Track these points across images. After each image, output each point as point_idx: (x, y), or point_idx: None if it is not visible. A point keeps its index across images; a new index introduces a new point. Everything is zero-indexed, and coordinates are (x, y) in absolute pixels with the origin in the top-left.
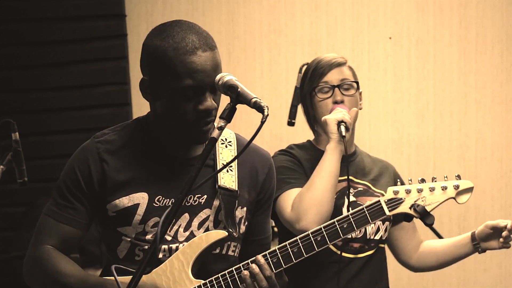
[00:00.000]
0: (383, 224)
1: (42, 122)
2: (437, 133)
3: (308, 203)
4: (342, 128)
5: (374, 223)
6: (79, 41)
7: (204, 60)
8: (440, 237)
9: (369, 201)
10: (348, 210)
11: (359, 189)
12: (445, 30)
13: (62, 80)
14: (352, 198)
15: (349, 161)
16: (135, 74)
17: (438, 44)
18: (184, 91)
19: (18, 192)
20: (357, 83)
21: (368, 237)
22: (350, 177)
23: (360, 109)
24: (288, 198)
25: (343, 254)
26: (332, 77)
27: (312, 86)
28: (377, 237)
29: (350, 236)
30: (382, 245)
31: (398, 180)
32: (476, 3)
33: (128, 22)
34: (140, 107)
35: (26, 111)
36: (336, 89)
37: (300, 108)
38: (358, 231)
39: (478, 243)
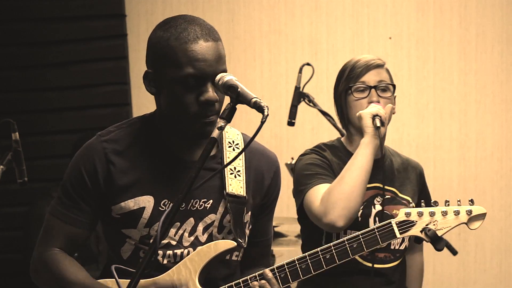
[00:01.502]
0: None
1: (42, 122)
2: (437, 133)
3: (336, 197)
4: (377, 120)
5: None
6: (79, 41)
7: (206, 49)
8: (454, 252)
9: (394, 211)
10: (374, 221)
11: (387, 197)
12: (445, 30)
13: (62, 80)
14: (379, 207)
15: (379, 165)
16: (135, 74)
17: (438, 44)
18: (185, 80)
19: (18, 192)
20: (394, 86)
21: (392, 247)
22: (380, 185)
23: (394, 113)
24: (317, 192)
25: (369, 264)
26: (370, 78)
27: (348, 85)
28: (402, 247)
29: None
30: (405, 254)
31: (411, 202)
32: (476, 3)
33: (128, 22)
34: (140, 107)
35: (26, 111)
36: (373, 90)
37: (300, 108)
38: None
39: None
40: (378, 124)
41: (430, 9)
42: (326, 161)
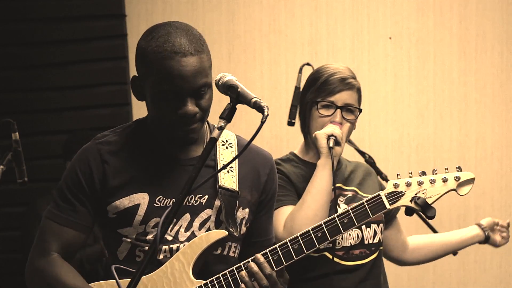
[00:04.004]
0: (378, 227)
1: (42, 122)
2: (437, 133)
3: (300, 222)
4: (331, 141)
5: (370, 226)
6: (79, 41)
7: (183, 65)
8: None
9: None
10: None
11: (349, 195)
12: (445, 30)
13: (62, 80)
14: (344, 206)
15: (336, 169)
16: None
17: (438, 44)
18: (162, 94)
19: (18, 192)
20: (360, 110)
21: (366, 241)
22: (340, 185)
23: (354, 129)
24: (279, 217)
25: (346, 263)
26: (339, 98)
27: (316, 99)
28: (376, 240)
29: (349, 244)
30: (381, 247)
31: (398, 174)
32: (476, 3)
33: (128, 22)
34: (140, 107)
35: (26, 111)
36: (338, 110)
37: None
38: (356, 237)
39: (487, 230)
40: (331, 144)
41: (430, 9)
42: (284, 177)
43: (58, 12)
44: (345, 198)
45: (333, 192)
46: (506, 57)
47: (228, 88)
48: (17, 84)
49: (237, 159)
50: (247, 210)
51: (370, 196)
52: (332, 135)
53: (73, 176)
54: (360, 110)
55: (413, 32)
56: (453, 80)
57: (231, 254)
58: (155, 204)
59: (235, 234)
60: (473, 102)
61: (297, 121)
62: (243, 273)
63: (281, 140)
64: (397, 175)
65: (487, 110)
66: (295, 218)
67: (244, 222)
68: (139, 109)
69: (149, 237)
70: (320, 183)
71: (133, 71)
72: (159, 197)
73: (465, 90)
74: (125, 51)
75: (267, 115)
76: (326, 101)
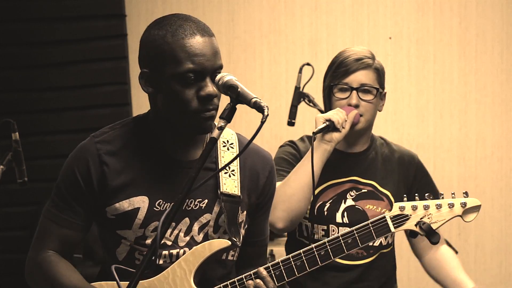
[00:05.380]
0: None
1: (42, 122)
2: (437, 133)
3: (278, 198)
4: (321, 125)
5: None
6: (79, 41)
7: (203, 44)
8: (454, 250)
9: (375, 211)
10: (342, 216)
11: (363, 191)
12: (445, 30)
13: (62, 80)
14: (351, 202)
15: (361, 158)
16: (135, 74)
17: (438, 44)
18: (184, 75)
19: (18, 192)
20: (377, 89)
21: None
22: (356, 178)
23: (380, 110)
24: None
25: (340, 260)
26: (354, 79)
27: (332, 83)
28: (377, 243)
29: None
30: (385, 251)
31: (405, 196)
32: (476, 3)
33: (128, 22)
34: (140, 107)
35: (26, 111)
36: (354, 92)
37: (300, 108)
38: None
39: None
40: (314, 129)
41: (430, 9)
42: (296, 153)
43: (58, 12)
44: (357, 193)
45: (312, 178)
46: (506, 57)
47: (228, 88)
48: (17, 84)
49: (238, 163)
50: (245, 212)
51: (375, 218)
52: (330, 120)
53: (70, 175)
54: (377, 89)
55: (413, 32)
56: (453, 80)
57: (229, 258)
58: (155, 208)
59: (238, 244)
60: (473, 102)
61: (297, 121)
62: (250, 282)
63: (281, 140)
64: (416, 195)
65: (487, 110)
66: (276, 193)
67: (242, 225)
68: (139, 109)
69: (148, 241)
70: (307, 164)
71: (133, 71)
72: (159, 201)
73: (465, 90)
74: (125, 51)
75: (267, 115)
76: (341, 83)
